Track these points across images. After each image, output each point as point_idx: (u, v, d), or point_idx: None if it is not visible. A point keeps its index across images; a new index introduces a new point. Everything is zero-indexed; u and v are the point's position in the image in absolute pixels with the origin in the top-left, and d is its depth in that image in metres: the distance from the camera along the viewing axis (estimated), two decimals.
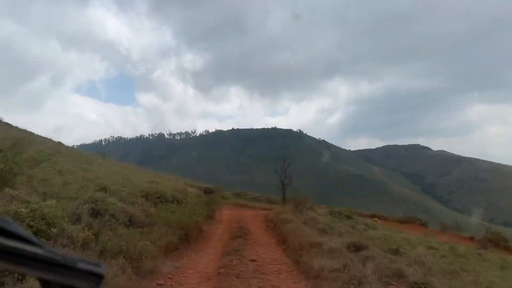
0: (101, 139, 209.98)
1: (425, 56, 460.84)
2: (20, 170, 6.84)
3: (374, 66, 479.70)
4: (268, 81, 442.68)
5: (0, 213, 4.91)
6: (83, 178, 11.02)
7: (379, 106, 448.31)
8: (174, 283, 5.28)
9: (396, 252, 9.66)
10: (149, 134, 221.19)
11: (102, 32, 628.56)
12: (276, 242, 8.83)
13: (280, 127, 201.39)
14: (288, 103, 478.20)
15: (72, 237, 5.68)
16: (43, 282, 0.54)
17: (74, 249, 5.30)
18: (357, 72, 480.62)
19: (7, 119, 24.72)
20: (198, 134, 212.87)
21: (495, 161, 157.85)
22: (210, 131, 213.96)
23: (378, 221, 22.39)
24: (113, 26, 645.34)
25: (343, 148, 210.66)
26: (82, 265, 0.54)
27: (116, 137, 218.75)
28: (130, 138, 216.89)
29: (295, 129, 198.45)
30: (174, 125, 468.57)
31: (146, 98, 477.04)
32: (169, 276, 5.58)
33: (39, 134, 24.55)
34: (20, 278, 4.08)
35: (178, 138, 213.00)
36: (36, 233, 4.75)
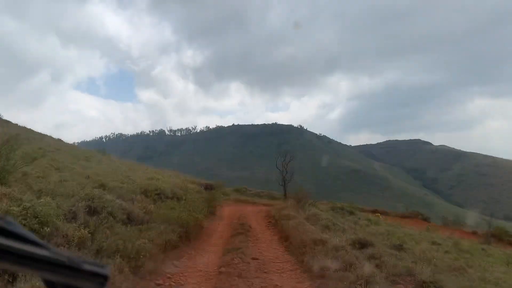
0: (101, 136, 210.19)
1: (426, 51, 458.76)
2: (13, 167, 6.62)
3: (374, 61, 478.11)
4: (269, 76, 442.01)
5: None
6: (81, 175, 10.82)
7: (380, 101, 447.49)
8: (173, 283, 5.09)
9: (400, 248, 9.48)
10: (149, 131, 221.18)
11: (101, 29, 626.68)
12: (278, 239, 8.63)
13: (281, 123, 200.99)
14: (288, 98, 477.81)
15: (67, 235, 5.50)
16: (48, 283, 0.55)
17: (69, 248, 5.11)
18: (357, 67, 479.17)
19: (7, 116, 24.59)
20: (198, 130, 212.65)
21: (496, 156, 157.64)
22: (210, 127, 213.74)
23: (380, 216, 22.22)
24: (113, 22, 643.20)
25: (344, 143, 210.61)
26: (87, 267, 0.54)
27: (116, 134, 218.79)
28: (130, 135, 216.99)
29: (295, 125, 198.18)
30: (175, 122, 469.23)
31: (146, 95, 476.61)
32: (168, 275, 5.38)
33: (39, 131, 24.42)
34: (10, 280, 3.90)
35: (179, 134, 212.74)
36: None
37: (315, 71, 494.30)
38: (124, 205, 7.97)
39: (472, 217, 38.48)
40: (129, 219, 7.65)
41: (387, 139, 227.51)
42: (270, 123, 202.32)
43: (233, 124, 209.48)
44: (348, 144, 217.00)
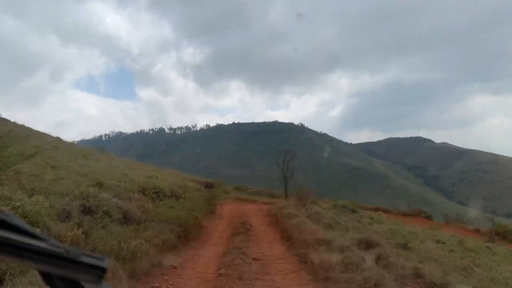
0: (101, 135, 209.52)
1: (427, 48, 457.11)
2: (5, 165, 6.36)
3: (375, 58, 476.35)
4: (269, 74, 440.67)
5: None
6: (77, 173, 10.57)
7: (380, 99, 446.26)
8: (170, 286, 4.84)
9: (405, 247, 9.24)
10: (149, 129, 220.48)
11: (101, 26, 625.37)
12: (280, 239, 8.38)
13: (282, 121, 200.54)
14: (289, 96, 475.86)
15: (60, 236, 5.25)
16: (45, 275, 0.54)
17: None
18: (358, 65, 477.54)
19: (7, 115, 24.32)
20: (198, 129, 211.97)
21: (497, 153, 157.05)
22: (211, 125, 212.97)
23: (382, 214, 21.96)
24: (112, 20, 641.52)
25: (345, 141, 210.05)
26: (85, 259, 0.54)
27: (116, 132, 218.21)
28: (130, 133, 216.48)
29: (296, 123, 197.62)
30: (175, 120, 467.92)
31: (146, 93, 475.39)
32: (165, 278, 5.13)
33: (38, 129, 24.17)
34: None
35: (179, 132, 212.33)
36: None
37: (315, 69, 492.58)
38: (120, 204, 7.73)
39: (471, 213, 38.25)
40: (126, 219, 7.41)
41: (388, 137, 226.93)
42: (271, 121, 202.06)
43: (234, 122, 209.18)
44: (348, 142, 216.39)
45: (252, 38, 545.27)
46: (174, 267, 5.66)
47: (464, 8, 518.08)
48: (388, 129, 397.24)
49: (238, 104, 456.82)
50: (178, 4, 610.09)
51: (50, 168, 10.44)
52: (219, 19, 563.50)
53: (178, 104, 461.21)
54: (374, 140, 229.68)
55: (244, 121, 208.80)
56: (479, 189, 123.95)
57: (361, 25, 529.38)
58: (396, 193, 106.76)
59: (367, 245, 6.37)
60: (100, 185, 9.03)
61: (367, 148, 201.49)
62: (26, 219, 4.57)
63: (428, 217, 27.06)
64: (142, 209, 8.25)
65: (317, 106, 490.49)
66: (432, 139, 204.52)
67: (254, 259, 6.18)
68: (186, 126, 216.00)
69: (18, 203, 4.70)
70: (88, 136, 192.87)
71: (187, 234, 7.83)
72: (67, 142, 24.68)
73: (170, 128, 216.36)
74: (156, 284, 4.83)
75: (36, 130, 24.00)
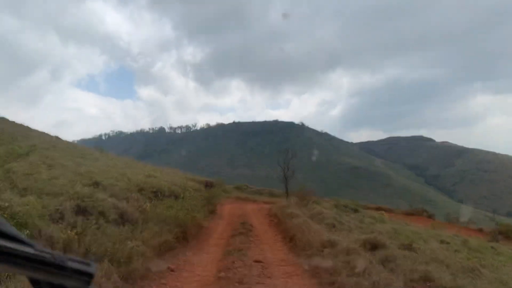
0: (101, 134, 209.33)
1: (428, 47, 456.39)
2: None
3: (375, 57, 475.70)
4: (269, 73, 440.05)
5: None
6: (74, 172, 10.31)
7: (381, 98, 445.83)
8: None
9: (409, 247, 9.01)
10: (149, 128, 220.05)
11: (101, 25, 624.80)
12: (282, 239, 8.13)
13: (282, 120, 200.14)
14: (289, 95, 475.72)
15: (52, 238, 5.02)
16: (33, 281, 0.53)
17: None
18: (359, 64, 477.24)
19: (6, 114, 24.09)
20: (199, 128, 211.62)
21: (498, 152, 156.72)
22: (211, 124, 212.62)
23: (384, 214, 21.72)
24: (112, 19, 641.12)
25: (345, 140, 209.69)
26: (71, 264, 0.53)
27: (116, 132, 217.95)
28: (130, 132, 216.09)
29: (296, 122, 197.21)
30: (175, 119, 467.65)
31: (146, 92, 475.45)
32: (163, 281, 4.89)
33: (37, 128, 23.93)
34: None
35: (179, 131, 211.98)
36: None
37: (316, 68, 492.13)
38: (117, 204, 7.48)
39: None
40: (123, 219, 7.16)
41: (389, 136, 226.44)
42: (271, 120, 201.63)
43: (234, 122, 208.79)
44: (349, 141, 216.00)
45: (253, 37, 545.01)
46: (171, 270, 5.42)
47: (464, 8, 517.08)
48: (389, 128, 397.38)
49: (239, 103, 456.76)
50: (178, 3, 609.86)
51: (46, 167, 10.20)
52: (219, 18, 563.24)
53: (178, 103, 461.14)
54: (375, 139, 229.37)
55: (244, 120, 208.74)
56: (480, 188, 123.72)
57: (361, 24, 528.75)
58: (397, 192, 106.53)
59: (373, 246, 6.13)
60: (96, 184, 8.79)
61: (367, 147, 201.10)
62: (15, 221, 4.33)
63: (430, 216, 26.82)
64: (139, 209, 8.00)
65: (317, 105, 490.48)
66: (433, 138, 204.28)
67: (255, 261, 5.94)
68: (186, 125, 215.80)
69: (5, 204, 4.46)
70: (88, 135, 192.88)
71: (185, 235, 7.59)
72: (65, 141, 24.45)
73: (170, 127, 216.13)
74: None
75: (34, 129, 23.77)
